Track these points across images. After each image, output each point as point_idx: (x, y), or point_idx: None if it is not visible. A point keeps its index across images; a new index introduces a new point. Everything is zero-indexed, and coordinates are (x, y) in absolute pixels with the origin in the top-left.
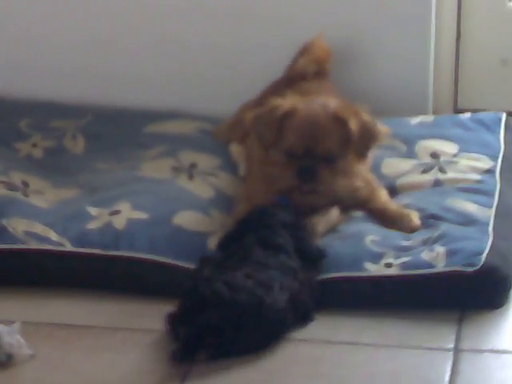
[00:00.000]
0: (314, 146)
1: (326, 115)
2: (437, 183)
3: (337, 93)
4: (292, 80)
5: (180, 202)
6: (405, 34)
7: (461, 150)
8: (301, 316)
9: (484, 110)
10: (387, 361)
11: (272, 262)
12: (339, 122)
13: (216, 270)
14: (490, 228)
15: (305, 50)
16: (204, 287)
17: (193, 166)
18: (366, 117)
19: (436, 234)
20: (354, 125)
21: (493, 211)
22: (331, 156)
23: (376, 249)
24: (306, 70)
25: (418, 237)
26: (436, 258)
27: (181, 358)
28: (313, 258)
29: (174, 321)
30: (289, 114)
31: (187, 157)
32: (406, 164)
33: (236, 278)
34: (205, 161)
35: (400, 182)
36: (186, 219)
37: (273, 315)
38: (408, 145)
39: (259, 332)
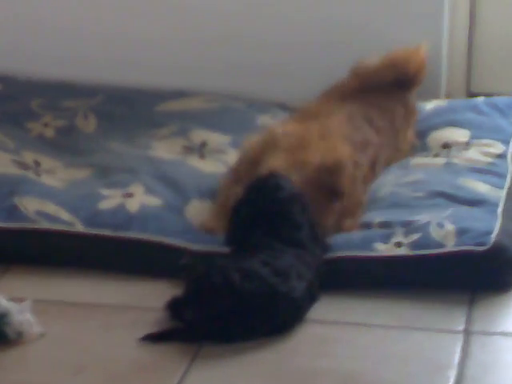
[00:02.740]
0: None
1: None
2: (449, 164)
3: (404, 113)
4: (362, 88)
5: (192, 188)
6: (418, 17)
7: (472, 137)
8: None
9: (497, 93)
10: (397, 342)
11: (289, 250)
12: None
13: (231, 259)
14: (500, 209)
15: (390, 59)
16: (217, 274)
17: (203, 144)
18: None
19: (444, 214)
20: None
21: (504, 193)
22: None
23: (384, 229)
24: (381, 79)
25: (424, 215)
26: (446, 236)
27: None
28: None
29: (177, 304)
30: None
31: (198, 135)
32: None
33: (252, 266)
34: (215, 138)
35: (413, 162)
36: (199, 208)
37: (288, 305)
38: (420, 138)
39: (272, 321)
